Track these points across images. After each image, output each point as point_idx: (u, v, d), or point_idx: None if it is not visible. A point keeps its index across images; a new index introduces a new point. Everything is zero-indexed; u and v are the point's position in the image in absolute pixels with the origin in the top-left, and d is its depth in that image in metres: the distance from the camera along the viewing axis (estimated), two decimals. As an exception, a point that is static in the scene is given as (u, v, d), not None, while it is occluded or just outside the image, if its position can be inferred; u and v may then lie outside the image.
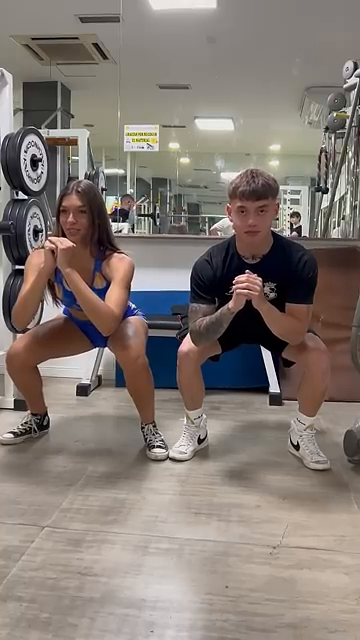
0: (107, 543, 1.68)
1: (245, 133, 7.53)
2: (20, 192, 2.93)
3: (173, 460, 2.30)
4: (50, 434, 2.59)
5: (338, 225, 4.80)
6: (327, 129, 4.79)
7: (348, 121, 4.25)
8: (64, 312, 2.54)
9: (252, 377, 3.34)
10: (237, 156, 8.22)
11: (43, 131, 4.08)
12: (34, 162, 2.93)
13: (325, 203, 4.99)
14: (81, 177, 4.80)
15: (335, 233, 4.73)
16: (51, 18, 5.11)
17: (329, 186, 4.83)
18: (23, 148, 2.83)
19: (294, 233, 6.76)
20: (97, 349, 3.07)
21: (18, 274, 2.79)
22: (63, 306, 2.48)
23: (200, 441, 2.42)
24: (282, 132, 7.56)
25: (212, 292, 2.16)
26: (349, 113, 4.24)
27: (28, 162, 2.89)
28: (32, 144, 2.93)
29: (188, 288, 2.23)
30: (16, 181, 2.86)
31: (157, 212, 8.93)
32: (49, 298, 2.38)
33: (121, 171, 7.12)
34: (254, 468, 2.26)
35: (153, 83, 6.36)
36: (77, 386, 3.30)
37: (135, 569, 1.55)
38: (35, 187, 2.97)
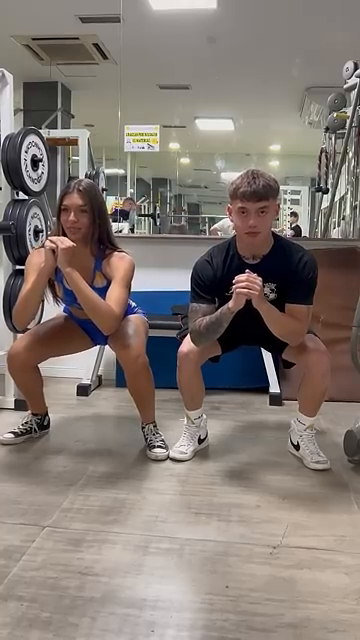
0: (108, 543, 1.68)
1: (245, 133, 7.53)
2: (20, 192, 2.94)
3: (173, 460, 2.30)
4: (50, 434, 2.59)
5: (338, 225, 4.80)
6: (327, 129, 4.79)
7: (348, 121, 4.25)
8: (64, 311, 2.54)
9: (252, 377, 3.34)
10: (237, 156, 8.22)
11: (43, 131, 4.09)
12: (34, 162, 2.94)
13: (325, 203, 4.99)
14: (81, 177, 4.81)
15: (335, 233, 4.73)
16: (51, 18, 5.11)
17: (329, 186, 4.83)
18: (24, 148, 2.84)
19: (291, 232, 6.78)
20: (97, 349, 3.08)
21: (19, 274, 2.80)
22: (63, 305, 2.48)
23: (200, 441, 2.42)
24: (282, 132, 7.56)
25: (212, 292, 2.16)
26: (349, 113, 4.24)
27: (29, 162, 2.89)
28: (32, 144, 2.93)
29: (188, 288, 2.23)
30: (17, 181, 2.86)
31: (157, 212, 8.93)
32: (49, 297, 2.38)
33: (121, 171, 7.11)
34: (254, 468, 2.27)
35: (153, 83, 6.36)
36: (77, 386, 3.30)
37: (136, 569, 1.55)
38: (35, 187, 2.97)
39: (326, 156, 4.85)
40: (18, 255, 2.84)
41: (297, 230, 6.96)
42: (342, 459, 2.30)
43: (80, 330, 2.49)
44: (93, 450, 2.44)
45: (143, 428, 2.44)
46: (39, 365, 2.40)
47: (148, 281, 3.15)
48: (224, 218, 6.09)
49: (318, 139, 5.08)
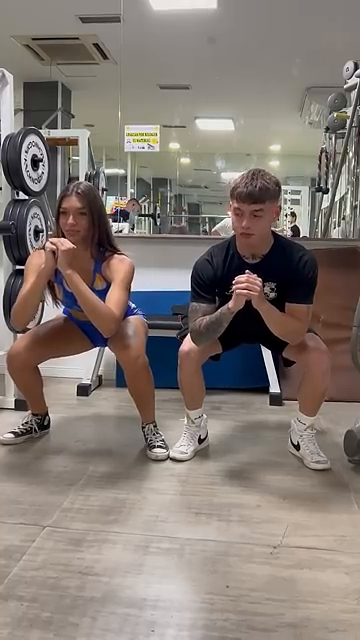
0: (108, 543, 1.68)
1: (245, 133, 7.54)
2: (21, 192, 2.94)
3: (174, 460, 2.30)
4: (51, 434, 2.59)
5: (338, 225, 4.80)
6: (327, 129, 4.80)
7: (348, 121, 4.26)
8: (64, 312, 2.54)
9: (252, 377, 3.34)
10: (237, 156, 8.23)
11: (44, 131, 4.09)
12: (35, 162, 2.94)
13: (325, 203, 5.00)
14: (82, 177, 4.81)
15: (335, 233, 4.74)
16: (52, 18, 5.11)
17: (329, 186, 4.83)
18: (24, 148, 2.84)
19: (289, 232, 6.79)
20: (97, 349, 3.08)
21: (19, 274, 2.80)
22: (63, 306, 2.48)
23: (200, 441, 2.42)
24: (282, 132, 7.57)
25: (212, 291, 2.16)
26: (349, 113, 4.24)
27: (29, 162, 2.89)
28: (33, 144, 2.93)
29: (188, 288, 2.23)
30: (17, 181, 2.86)
31: (157, 212, 8.93)
32: (49, 299, 2.38)
33: (122, 171, 7.12)
34: (254, 468, 2.27)
35: (154, 83, 6.36)
36: (78, 386, 3.30)
37: (136, 569, 1.55)
38: (36, 187, 2.97)
39: (326, 156, 4.85)
40: (18, 255, 2.84)
41: (295, 230, 6.97)
42: (342, 459, 2.30)
43: (80, 331, 2.49)
44: (93, 450, 2.44)
45: (143, 428, 2.44)
46: (39, 365, 2.40)
47: (148, 281, 3.16)
48: (225, 218, 6.10)
49: (318, 139, 5.08)
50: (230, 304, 2.01)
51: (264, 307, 2.03)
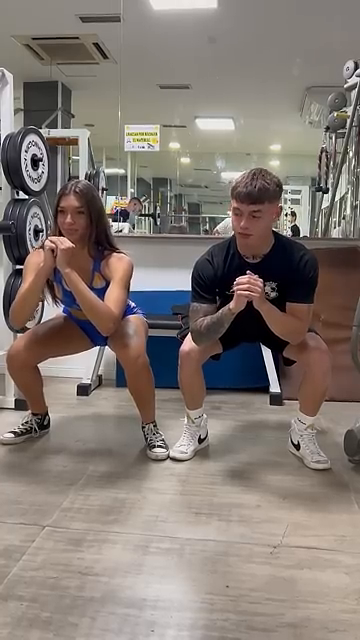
0: (108, 543, 1.68)
1: (246, 133, 7.54)
2: (21, 192, 2.94)
3: (174, 460, 2.30)
4: (51, 434, 2.59)
5: (339, 225, 4.80)
6: (328, 129, 4.80)
7: (349, 121, 4.26)
8: (64, 311, 2.54)
9: (253, 377, 3.34)
10: (238, 156, 8.23)
11: (44, 131, 4.10)
12: (35, 162, 2.94)
13: (326, 203, 4.99)
14: (82, 177, 4.81)
15: (335, 233, 4.73)
16: (52, 18, 5.11)
17: (329, 186, 4.83)
18: (24, 148, 2.84)
19: (289, 232, 6.81)
20: (97, 348, 3.08)
21: (18, 274, 2.79)
22: (62, 305, 2.48)
23: (201, 441, 2.42)
24: (283, 132, 7.57)
25: (213, 291, 2.16)
26: (350, 113, 4.24)
27: (29, 162, 2.89)
28: (33, 144, 2.93)
29: (189, 288, 2.23)
30: (17, 181, 2.86)
31: (158, 212, 8.94)
32: (49, 298, 2.38)
33: (122, 171, 7.12)
34: (254, 468, 2.27)
35: (154, 83, 6.36)
36: (78, 386, 3.30)
37: (136, 569, 1.55)
38: (36, 187, 2.97)
39: (326, 156, 4.85)
40: (18, 255, 2.84)
41: (295, 230, 6.97)
42: (342, 459, 2.30)
43: (80, 331, 2.49)
44: (93, 450, 2.43)
45: (143, 428, 2.44)
46: (39, 365, 2.40)
47: (148, 281, 3.16)
48: (226, 218, 6.10)
49: (318, 139, 5.08)
50: (231, 305, 2.00)
51: (265, 307, 2.02)
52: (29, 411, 2.55)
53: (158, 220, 8.13)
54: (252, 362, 3.21)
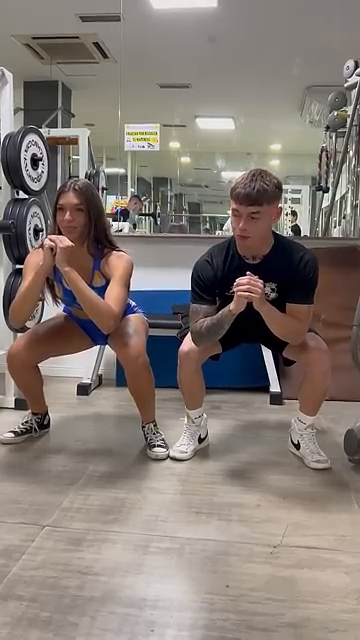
0: (108, 542, 1.68)
1: (246, 132, 7.53)
2: (20, 191, 2.93)
3: (174, 459, 2.30)
4: (51, 433, 2.59)
5: (339, 224, 4.80)
6: (328, 128, 4.79)
7: (349, 120, 4.25)
8: (64, 310, 2.54)
9: (253, 376, 3.34)
10: (238, 155, 8.23)
11: (44, 130, 4.10)
12: (34, 161, 2.93)
13: (326, 202, 4.99)
14: (82, 176, 4.81)
15: (336, 232, 4.73)
16: (52, 17, 5.11)
17: (330, 185, 4.83)
18: (23, 147, 2.84)
19: (290, 232, 6.80)
20: (98, 348, 3.08)
21: (18, 273, 2.79)
22: (63, 305, 2.48)
23: (201, 440, 2.42)
24: (283, 131, 7.57)
25: (213, 292, 2.16)
26: (350, 112, 4.24)
27: (29, 161, 2.89)
28: (32, 143, 2.93)
29: (189, 287, 2.22)
30: (16, 180, 2.86)
31: (158, 211, 8.94)
32: (49, 297, 2.38)
33: (122, 170, 7.12)
34: (254, 467, 2.26)
35: (154, 82, 6.36)
36: (78, 385, 3.30)
37: (136, 568, 1.55)
38: (35, 186, 2.97)
39: (327, 155, 4.85)
40: (18, 254, 2.84)
41: (295, 229, 6.96)
42: (342, 458, 2.30)
43: (80, 330, 2.49)
44: (93, 449, 2.43)
45: (143, 427, 2.44)
46: (39, 364, 2.40)
47: (148, 280, 3.15)
48: (229, 218, 6.08)
49: (319, 138, 5.08)
50: (231, 306, 2.00)
51: (265, 308, 2.02)
52: (29, 411, 2.55)
53: (158, 220, 8.13)
54: (252, 362, 3.21)
